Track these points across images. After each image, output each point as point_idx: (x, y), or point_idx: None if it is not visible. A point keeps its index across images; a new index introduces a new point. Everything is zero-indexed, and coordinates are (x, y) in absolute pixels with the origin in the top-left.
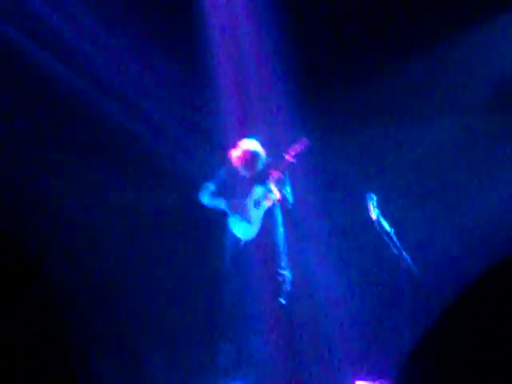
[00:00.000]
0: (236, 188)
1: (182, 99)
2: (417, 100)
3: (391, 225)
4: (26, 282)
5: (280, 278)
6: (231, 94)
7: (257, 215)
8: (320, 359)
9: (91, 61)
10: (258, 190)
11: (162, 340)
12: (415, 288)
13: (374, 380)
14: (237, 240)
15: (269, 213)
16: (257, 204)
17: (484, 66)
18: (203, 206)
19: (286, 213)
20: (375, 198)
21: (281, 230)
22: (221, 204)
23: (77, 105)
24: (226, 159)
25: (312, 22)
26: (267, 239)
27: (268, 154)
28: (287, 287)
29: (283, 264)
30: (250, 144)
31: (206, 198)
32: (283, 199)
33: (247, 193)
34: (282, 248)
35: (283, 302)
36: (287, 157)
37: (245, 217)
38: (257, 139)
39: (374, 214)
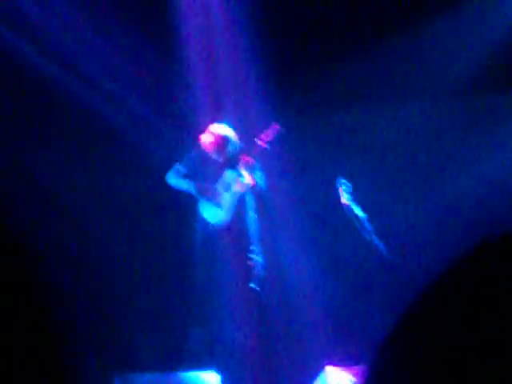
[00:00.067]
0: (207, 172)
1: (154, 84)
2: (388, 84)
3: (363, 210)
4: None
5: (251, 263)
6: (203, 78)
7: (227, 200)
8: (292, 344)
9: (65, 47)
10: (228, 174)
11: (131, 325)
12: (387, 273)
13: (345, 365)
14: (207, 224)
15: (240, 198)
16: (227, 188)
17: (456, 50)
18: (171, 189)
19: (258, 198)
20: (347, 184)
21: (252, 215)
22: (188, 186)
23: (45, 89)
24: (196, 143)
25: (284, 7)
26: (238, 224)
27: (240, 140)
28: (259, 272)
29: (255, 249)
30: (221, 128)
31: (173, 179)
32: (254, 184)
33: (218, 177)
34: (253, 233)
35: (254, 286)
36: (259, 142)
37: (215, 201)
38: (228, 124)
39: (345, 199)
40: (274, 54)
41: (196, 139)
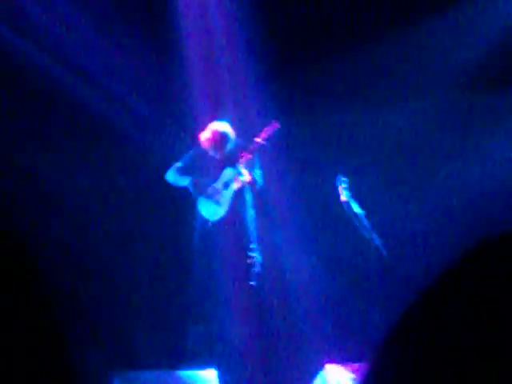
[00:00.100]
0: (206, 169)
1: (153, 82)
2: (388, 84)
3: (361, 207)
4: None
5: (249, 260)
6: (203, 77)
7: (226, 197)
8: (291, 342)
9: (65, 47)
10: (227, 172)
11: (131, 323)
12: (385, 270)
13: (344, 363)
14: (205, 221)
15: (238, 195)
16: (226, 186)
17: (456, 49)
18: (170, 187)
19: (256, 195)
20: (346, 181)
21: (250, 212)
22: (187, 182)
23: (45, 88)
24: (196, 141)
25: (282, 5)
26: (236, 221)
27: (238, 137)
28: (257, 269)
29: (253, 246)
30: (220, 125)
31: (171, 176)
32: (253, 181)
33: (217, 174)
34: (251, 230)
35: (253, 283)
36: (258, 139)
37: (213, 198)
38: (227, 121)
39: (344, 196)
40: (273, 54)
41: (196, 138)
